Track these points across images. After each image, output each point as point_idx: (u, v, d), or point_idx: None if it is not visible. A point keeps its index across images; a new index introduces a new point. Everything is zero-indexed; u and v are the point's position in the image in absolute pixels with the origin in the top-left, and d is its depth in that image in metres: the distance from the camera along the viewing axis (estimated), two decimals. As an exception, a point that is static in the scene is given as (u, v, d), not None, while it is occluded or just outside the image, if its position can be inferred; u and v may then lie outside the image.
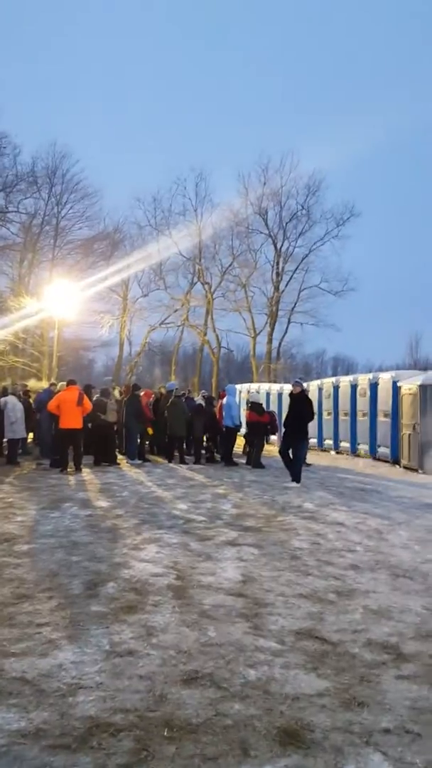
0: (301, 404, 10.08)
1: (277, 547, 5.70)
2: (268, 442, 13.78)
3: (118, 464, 12.25)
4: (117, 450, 13.01)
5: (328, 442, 17.20)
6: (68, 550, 5.42)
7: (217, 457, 13.38)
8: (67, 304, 26.74)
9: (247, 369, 45.72)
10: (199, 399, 13.64)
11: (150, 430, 13.59)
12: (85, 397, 11.58)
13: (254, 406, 12.60)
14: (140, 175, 72.53)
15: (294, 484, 9.74)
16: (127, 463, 12.48)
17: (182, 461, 12.70)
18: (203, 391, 17.25)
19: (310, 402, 10.35)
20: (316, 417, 15.47)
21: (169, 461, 12.76)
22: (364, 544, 5.94)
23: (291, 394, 10.55)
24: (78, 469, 11.05)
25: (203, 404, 13.15)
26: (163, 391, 14.70)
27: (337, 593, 4.35)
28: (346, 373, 46.15)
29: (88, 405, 11.52)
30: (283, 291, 36.05)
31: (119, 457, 12.89)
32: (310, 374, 52.90)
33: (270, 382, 28.61)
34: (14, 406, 12.05)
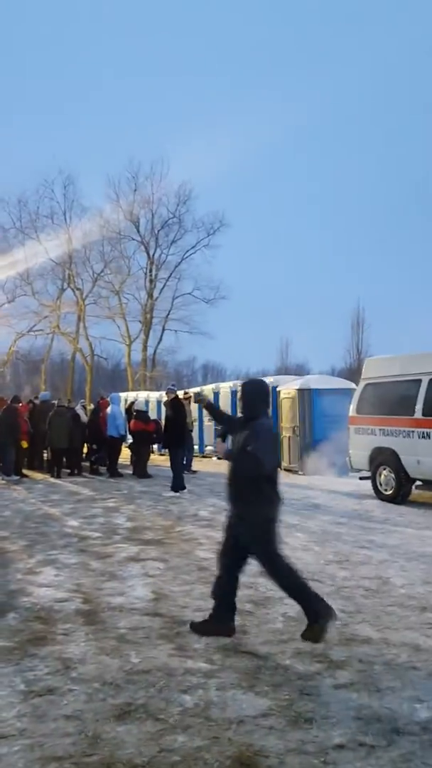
0: (175, 411, 10.01)
1: (183, 559, 5.55)
2: (153, 452, 13.56)
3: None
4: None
5: (210, 448, 17.32)
6: None
7: (102, 469, 12.94)
8: None
9: (119, 377, 45.12)
10: (79, 409, 13.10)
11: (25, 444, 12.82)
12: None
13: (139, 415, 12.35)
14: (3, 175, 68.99)
15: (172, 493, 9.56)
16: (2, 479, 11.67)
17: (59, 475, 12.12)
18: (81, 400, 16.62)
19: (183, 407, 10.34)
20: (196, 423, 15.61)
21: (52, 475, 12.10)
22: (266, 550, 5.96)
23: (165, 402, 10.49)
24: None
25: (83, 414, 12.67)
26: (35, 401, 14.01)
27: (253, 603, 4.29)
28: (216, 380, 47.08)
29: None
30: (156, 298, 35.99)
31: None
32: (181, 381, 53.30)
33: (146, 389, 28.36)
34: None
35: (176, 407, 10.04)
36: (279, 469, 4.79)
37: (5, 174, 65.57)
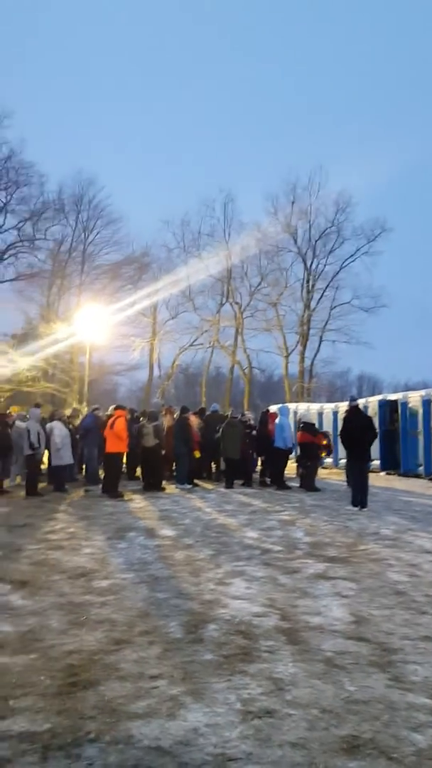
0: (361, 423, 9.65)
1: (375, 581, 5.26)
2: (322, 465, 13.29)
3: (163, 489, 11.87)
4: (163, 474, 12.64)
5: (376, 462, 16.63)
6: (151, 586, 5.05)
7: (267, 480, 12.94)
8: (96, 328, 26.79)
9: (274, 388, 45.27)
10: (251, 420, 13.24)
11: (197, 454, 13.20)
12: (116, 422, 11.29)
13: (307, 426, 12.17)
14: (168, 199, 73.07)
15: (355, 509, 9.26)
16: (176, 488, 12.11)
17: (232, 485, 12.29)
18: (249, 412, 16.82)
19: (370, 420, 9.92)
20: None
21: (227, 486, 12.29)
22: (466, 575, 5.47)
23: (348, 414, 10.13)
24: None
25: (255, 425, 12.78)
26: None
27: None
28: (372, 392, 45.37)
29: (117, 429, 11.23)
30: (314, 309, 35.69)
31: (165, 482, 12.52)
32: (335, 393, 52.27)
33: (305, 401, 28.11)
34: (61, 431, 11.80)
35: (364, 419, 9.74)
36: None
37: (171, 197, 69.52)
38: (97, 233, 36.64)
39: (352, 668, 3.38)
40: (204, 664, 3.43)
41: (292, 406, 19.55)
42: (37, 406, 13.11)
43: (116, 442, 11.29)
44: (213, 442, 12.71)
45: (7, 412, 14.92)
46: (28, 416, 12.27)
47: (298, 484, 12.37)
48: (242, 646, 3.71)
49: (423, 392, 14.97)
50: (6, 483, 11.86)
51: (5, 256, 34.63)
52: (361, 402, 12.72)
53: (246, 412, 15.83)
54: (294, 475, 13.00)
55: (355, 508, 9.25)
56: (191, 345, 37.28)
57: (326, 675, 3.28)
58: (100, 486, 11.61)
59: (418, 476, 14.48)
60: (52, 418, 12.51)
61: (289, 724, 2.74)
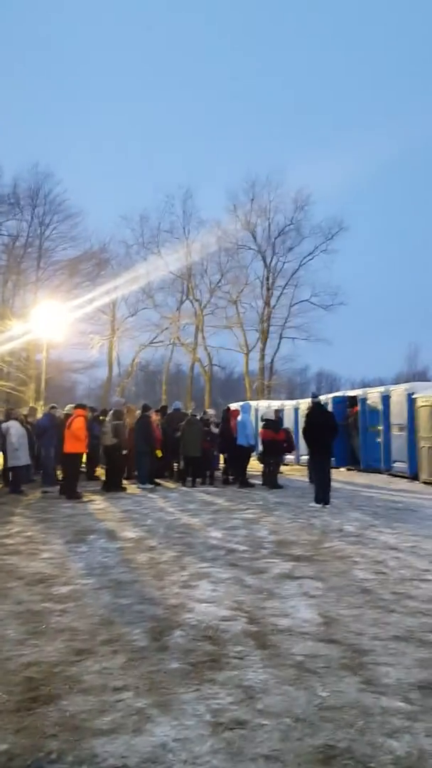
0: (322, 419, 9.65)
1: (341, 579, 5.21)
2: (283, 462, 13.28)
3: (124, 489, 11.66)
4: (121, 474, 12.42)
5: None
6: (113, 592, 4.87)
7: (230, 478, 12.85)
8: (54, 325, 26.23)
9: (234, 386, 45.37)
10: (212, 418, 13.13)
11: (159, 453, 13.02)
12: (74, 421, 11.04)
13: (269, 424, 12.13)
14: (126, 195, 72.47)
15: (318, 506, 9.26)
16: (138, 487, 11.90)
17: (194, 484, 12.17)
18: (210, 410, 16.69)
19: (332, 416, 9.94)
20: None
21: (184, 484, 12.19)
22: None
23: (310, 411, 10.13)
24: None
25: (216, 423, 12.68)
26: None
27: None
28: (330, 390, 45.91)
29: (75, 429, 10.97)
30: (274, 306, 35.86)
31: (126, 481, 12.31)
32: (294, 390, 52.74)
33: (266, 398, 28.18)
34: (17, 431, 11.45)
35: (325, 415, 9.74)
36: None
37: (128, 193, 68.80)
38: (54, 228, 35.94)
39: (324, 672, 3.29)
40: (171, 673, 3.29)
41: (253, 403, 19.52)
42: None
43: (74, 442, 11.01)
44: (175, 441, 12.55)
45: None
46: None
47: (260, 482, 12.32)
48: (210, 652, 3.59)
49: (382, 389, 15.13)
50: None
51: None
52: (322, 398, 12.73)
53: (208, 410, 15.73)
54: (257, 473, 12.93)
55: (318, 505, 9.24)
56: (151, 343, 36.99)
57: (298, 681, 3.18)
58: (58, 487, 11.32)
59: (378, 471, 14.63)
60: (8, 418, 12.12)
61: (261, 735, 2.63)
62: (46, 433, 12.63)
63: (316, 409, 9.91)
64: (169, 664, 3.40)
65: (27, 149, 77.88)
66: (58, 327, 27.48)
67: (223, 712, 2.85)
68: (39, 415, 14.88)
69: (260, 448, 12.87)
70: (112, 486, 11.64)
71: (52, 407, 13.91)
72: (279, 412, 13.46)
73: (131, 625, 4.06)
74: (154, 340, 37.11)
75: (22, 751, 2.50)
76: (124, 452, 12.05)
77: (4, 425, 11.58)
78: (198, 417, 12.90)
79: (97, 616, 4.28)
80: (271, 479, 11.91)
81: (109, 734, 2.64)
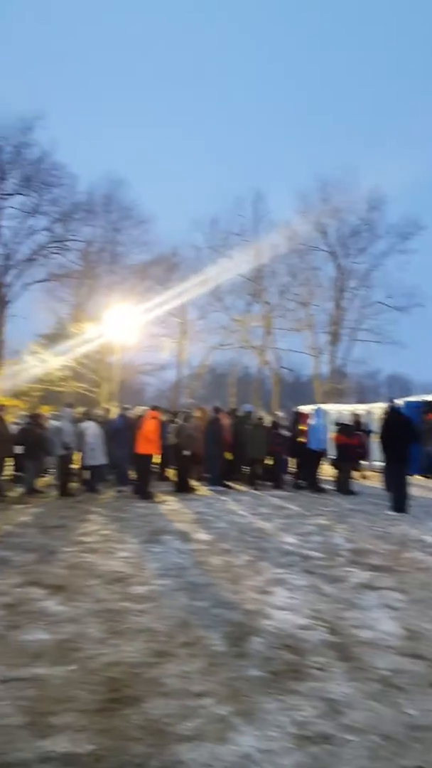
0: (401, 426, 9.36)
1: (425, 592, 5.00)
2: (358, 468, 12.98)
3: (194, 490, 11.72)
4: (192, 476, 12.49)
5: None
6: (190, 594, 4.87)
7: (301, 483, 12.68)
8: (126, 328, 26.80)
9: (302, 389, 44.79)
10: (282, 421, 13.02)
11: (228, 455, 13.01)
12: (146, 423, 11.20)
13: (343, 428, 11.88)
14: (197, 199, 73.12)
15: (395, 514, 8.99)
16: (208, 489, 11.94)
17: (262, 487, 12.09)
18: (280, 413, 16.56)
19: (410, 422, 9.62)
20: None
21: (255, 488, 12.12)
22: None
23: (387, 416, 9.84)
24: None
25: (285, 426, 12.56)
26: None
27: None
28: (402, 393, 44.53)
29: (146, 430, 11.13)
30: (345, 308, 35.20)
31: (197, 483, 12.37)
32: (365, 394, 51.50)
33: (336, 402, 27.68)
34: (94, 431, 11.73)
35: (404, 421, 9.47)
36: None
37: (201, 198, 69.59)
38: (126, 233, 36.72)
39: (411, 689, 3.16)
40: (251, 681, 3.25)
41: (325, 407, 19.22)
42: (70, 405, 13.07)
43: (146, 443, 11.17)
44: (245, 444, 12.51)
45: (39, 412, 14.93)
46: (61, 415, 12.24)
47: (333, 487, 12.08)
48: (290, 662, 3.52)
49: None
50: (38, 483, 11.84)
51: (37, 258, 34.92)
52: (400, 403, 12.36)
53: (278, 413, 15.60)
54: (329, 478, 12.69)
55: (395, 514, 8.96)
56: (221, 346, 37.12)
57: (383, 696, 3.07)
58: (132, 487, 11.51)
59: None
60: (85, 418, 12.43)
61: (348, 752, 2.54)
62: (119, 434, 12.89)
63: (394, 414, 9.62)
64: (250, 672, 3.36)
65: (100, 156, 79.87)
66: (130, 330, 28.09)
67: (308, 725, 2.78)
68: (112, 415, 15.19)
69: (333, 452, 12.61)
70: (180, 487, 11.72)
71: (126, 408, 14.18)
72: (359, 417, 13.16)
73: (209, 629, 4.05)
74: (224, 343, 37.24)
75: (108, 753, 2.52)
76: (186, 453, 12.08)
77: (81, 425, 11.89)
78: (263, 419, 12.80)
79: (174, 617, 4.29)
80: (344, 485, 11.66)
81: (193, 740, 2.63)
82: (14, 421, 13.18)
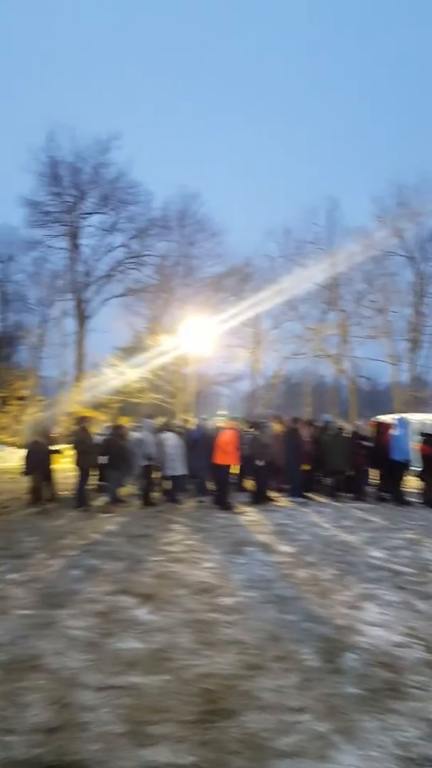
0: None
1: None
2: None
3: (273, 501, 11.64)
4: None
5: None
6: (278, 607, 4.84)
7: (385, 495, 12.32)
8: (200, 340, 27.11)
9: (379, 398, 43.60)
10: (363, 431, 12.73)
11: (306, 466, 12.82)
12: (224, 434, 11.25)
13: (429, 439, 11.48)
14: (270, 210, 73.43)
15: None
16: (288, 500, 11.83)
17: (339, 497, 11.84)
18: (360, 422, 16.22)
19: None
20: None
21: (336, 499, 11.90)
22: None
23: None
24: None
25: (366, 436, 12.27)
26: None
27: None
28: None
29: (223, 441, 11.14)
30: (426, 314, 34.11)
31: (276, 494, 12.28)
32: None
33: (417, 411, 26.80)
34: (174, 442, 11.90)
35: None
36: None
37: (273, 208, 69.73)
38: (200, 246, 37.25)
39: None
40: (349, 698, 3.18)
41: (408, 416, 18.66)
42: (150, 417, 13.33)
43: (224, 454, 11.22)
44: (325, 455, 12.31)
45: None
46: (142, 426, 12.50)
47: (419, 500, 11.68)
48: (387, 680, 3.42)
49: None
50: (121, 492, 12.13)
51: (114, 274, 36.05)
52: None
53: (358, 423, 15.27)
54: (414, 491, 12.27)
55: None
56: (296, 354, 36.84)
57: None
58: (212, 497, 11.58)
59: None
60: (165, 429, 12.65)
61: (457, 779, 2.44)
62: (198, 444, 13.03)
63: None
64: (346, 689, 3.30)
65: (174, 171, 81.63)
66: (205, 341, 28.41)
67: (411, 746, 2.69)
68: (191, 426, 15.37)
69: (418, 463, 12.20)
70: (257, 498, 11.67)
71: (204, 419, 14.32)
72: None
73: (300, 643, 4.00)
74: (299, 352, 36.94)
75: (209, 765, 2.53)
76: (260, 464, 11.99)
77: (161, 436, 12.10)
78: (342, 429, 12.56)
79: (264, 630, 4.27)
80: (430, 497, 11.24)
81: (293, 757, 2.60)
82: (98, 432, 13.55)
